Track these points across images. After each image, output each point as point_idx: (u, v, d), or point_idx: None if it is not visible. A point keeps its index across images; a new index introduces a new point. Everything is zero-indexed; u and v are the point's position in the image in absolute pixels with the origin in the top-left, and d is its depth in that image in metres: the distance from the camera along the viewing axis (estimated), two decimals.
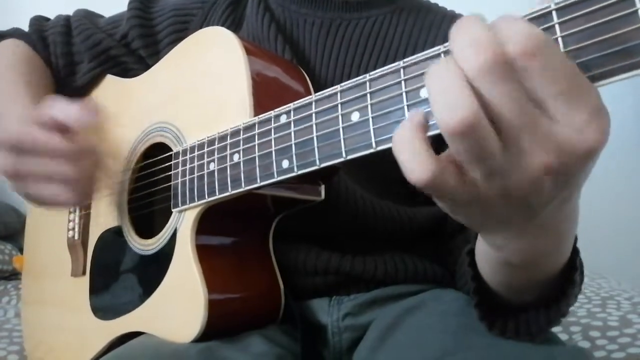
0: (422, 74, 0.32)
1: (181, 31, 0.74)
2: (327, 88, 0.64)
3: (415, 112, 0.31)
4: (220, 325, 0.54)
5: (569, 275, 0.44)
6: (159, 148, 0.64)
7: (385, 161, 0.64)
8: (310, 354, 0.62)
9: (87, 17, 0.82)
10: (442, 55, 0.31)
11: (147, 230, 0.65)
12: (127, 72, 0.78)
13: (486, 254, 0.44)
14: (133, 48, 0.77)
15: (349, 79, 0.65)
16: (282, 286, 0.61)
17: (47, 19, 0.85)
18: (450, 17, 0.71)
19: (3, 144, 0.55)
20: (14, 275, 1.47)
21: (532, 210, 0.33)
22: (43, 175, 0.55)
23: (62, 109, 0.55)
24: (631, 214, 1.54)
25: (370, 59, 0.67)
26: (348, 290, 0.64)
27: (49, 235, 0.78)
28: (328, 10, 0.69)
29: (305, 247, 0.63)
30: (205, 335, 0.53)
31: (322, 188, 0.59)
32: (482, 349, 0.47)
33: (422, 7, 0.72)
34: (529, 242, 0.37)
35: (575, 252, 0.44)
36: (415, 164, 0.30)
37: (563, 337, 0.82)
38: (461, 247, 0.64)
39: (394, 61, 0.65)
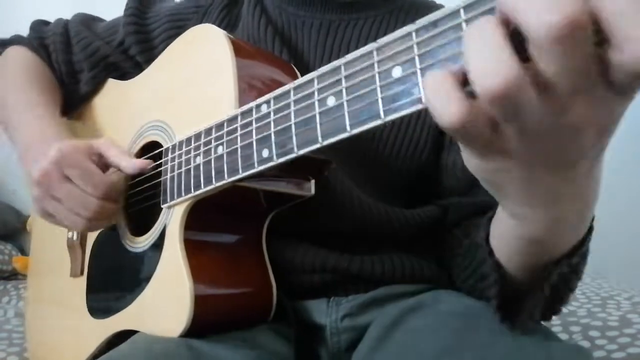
0: (394, 54, 0.31)
1: (177, 36, 0.74)
2: None
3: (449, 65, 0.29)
4: (208, 321, 0.54)
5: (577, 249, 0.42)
6: (154, 146, 0.64)
7: (383, 164, 0.65)
8: (305, 354, 0.62)
9: (85, 23, 0.83)
10: (414, 34, 0.30)
11: (137, 228, 0.65)
12: (126, 77, 0.79)
13: (506, 232, 0.42)
14: (131, 54, 0.78)
15: None
16: (274, 284, 0.60)
17: (47, 23, 0.86)
18: None
19: (51, 157, 0.60)
20: (14, 275, 1.48)
21: (568, 164, 0.32)
22: (74, 202, 0.61)
23: (116, 155, 0.63)
24: (631, 214, 1.53)
25: None
26: (346, 291, 0.63)
27: (53, 236, 0.79)
28: (326, 11, 0.69)
29: (303, 245, 0.63)
30: (193, 331, 0.53)
31: (312, 183, 0.58)
32: (480, 348, 0.47)
33: (420, 6, 0.72)
34: (553, 213, 0.36)
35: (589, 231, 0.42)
36: (449, 103, 0.27)
37: (563, 337, 0.81)
38: (461, 239, 0.64)
39: None
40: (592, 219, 0.41)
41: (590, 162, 0.33)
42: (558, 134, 0.29)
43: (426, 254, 0.67)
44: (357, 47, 0.66)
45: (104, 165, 0.64)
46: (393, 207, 0.64)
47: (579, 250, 0.42)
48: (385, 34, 0.67)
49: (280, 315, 0.61)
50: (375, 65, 0.32)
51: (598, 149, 0.32)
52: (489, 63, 0.26)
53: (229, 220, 0.59)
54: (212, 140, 0.51)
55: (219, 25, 0.72)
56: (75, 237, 0.73)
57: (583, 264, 0.45)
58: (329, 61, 0.67)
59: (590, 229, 0.42)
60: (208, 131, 0.52)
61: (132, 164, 0.62)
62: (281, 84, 0.60)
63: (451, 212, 0.66)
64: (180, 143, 0.56)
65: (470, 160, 0.33)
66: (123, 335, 0.60)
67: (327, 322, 0.62)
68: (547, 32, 0.24)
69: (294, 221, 0.62)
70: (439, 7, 0.72)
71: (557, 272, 0.43)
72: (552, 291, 0.44)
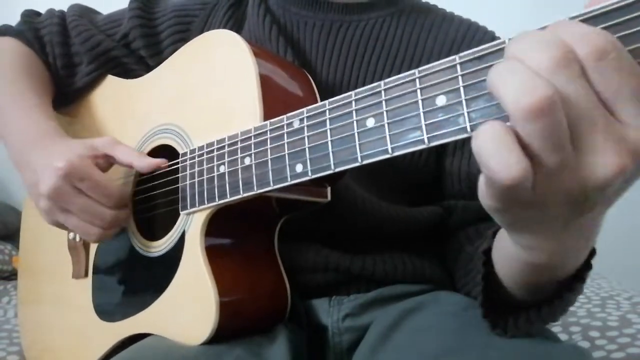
0: (438, 83, 0.32)
1: (183, 32, 0.74)
2: (328, 90, 0.67)
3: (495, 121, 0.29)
4: (230, 326, 0.54)
5: (580, 273, 0.43)
6: (164, 150, 0.64)
7: (383, 164, 0.65)
8: (314, 353, 0.62)
9: (84, 14, 0.81)
10: (458, 66, 0.31)
11: (149, 232, 0.65)
12: (127, 72, 0.78)
13: (510, 254, 0.43)
14: (134, 48, 0.77)
15: (350, 80, 0.68)
16: (288, 286, 0.61)
17: (39, 14, 0.83)
18: (450, 19, 0.72)
19: (60, 170, 0.59)
20: (14, 275, 1.47)
21: (583, 211, 0.32)
22: (88, 214, 0.60)
23: (125, 153, 0.62)
24: (631, 214, 1.55)
25: (370, 61, 0.68)
26: (348, 290, 0.64)
27: (48, 235, 0.77)
28: (329, 12, 0.69)
29: (305, 245, 0.63)
30: (216, 337, 0.53)
31: (329, 190, 0.59)
32: (481, 348, 0.47)
33: (422, 8, 0.73)
34: (562, 243, 0.37)
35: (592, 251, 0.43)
36: (513, 160, 0.28)
37: (563, 337, 0.82)
38: (463, 244, 0.65)
39: (394, 63, 0.68)
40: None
41: (602, 209, 0.34)
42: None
43: (428, 255, 0.68)
44: (358, 48, 0.69)
45: (110, 164, 0.64)
46: (396, 205, 0.65)
47: (585, 273, 0.43)
48: (386, 36, 0.70)
49: (290, 317, 0.62)
50: (418, 92, 0.33)
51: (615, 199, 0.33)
52: (528, 81, 0.27)
53: (245, 225, 0.60)
54: (238, 150, 0.51)
55: (225, 24, 0.73)
56: (77, 239, 0.72)
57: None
58: (330, 61, 0.69)
59: (593, 251, 0.43)
60: (233, 140, 0.52)
61: (146, 163, 0.61)
62: (298, 92, 0.61)
63: (456, 214, 0.67)
64: (200, 149, 0.56)
65: (492, 205, 0.33)
66: (134, 339, 0.61)
67: (328, 322, 0.63)
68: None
69: (298, 221, 0.62)
70: (440, 10, 0.74)
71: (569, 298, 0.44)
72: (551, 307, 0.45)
